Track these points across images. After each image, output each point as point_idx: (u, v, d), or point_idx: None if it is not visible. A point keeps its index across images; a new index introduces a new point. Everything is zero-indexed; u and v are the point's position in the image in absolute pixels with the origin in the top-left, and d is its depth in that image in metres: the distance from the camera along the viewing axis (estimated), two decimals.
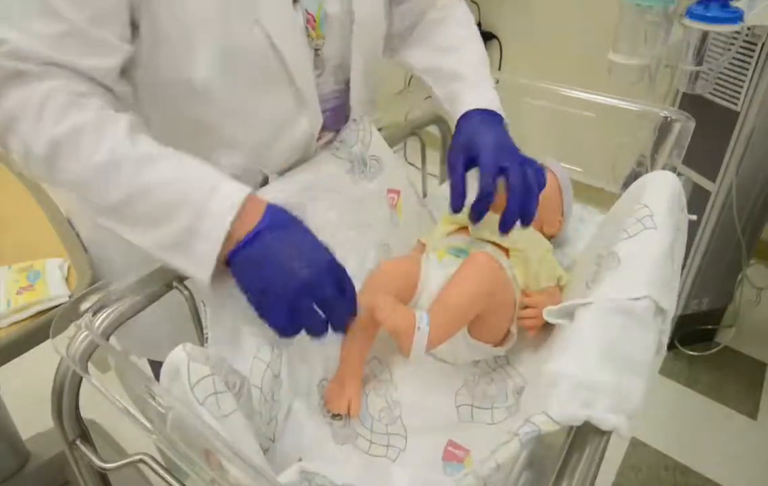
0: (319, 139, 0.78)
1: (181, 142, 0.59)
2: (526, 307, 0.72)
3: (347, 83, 0.77)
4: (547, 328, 0.70)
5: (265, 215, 0.57)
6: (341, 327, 0.58)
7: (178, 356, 0.50)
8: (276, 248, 0.56)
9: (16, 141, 0.57)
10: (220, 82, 0.63)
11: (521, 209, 0.69)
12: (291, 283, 0.54)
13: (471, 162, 0.72)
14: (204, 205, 0.55)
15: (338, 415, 0.66)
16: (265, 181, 0.73)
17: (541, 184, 0.71)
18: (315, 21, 0.69)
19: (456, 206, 0.72)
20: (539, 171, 0.71)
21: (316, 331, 0.57)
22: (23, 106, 0.55)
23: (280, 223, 0.58)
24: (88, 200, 0.58)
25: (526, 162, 0.71)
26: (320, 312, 0.56)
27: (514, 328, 0.71)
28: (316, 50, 0.71)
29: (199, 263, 0.55)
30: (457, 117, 0.78)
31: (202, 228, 0.55)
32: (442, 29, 0.87)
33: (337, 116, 0.80)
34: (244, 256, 0.56)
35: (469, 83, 0.81)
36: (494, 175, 0.69)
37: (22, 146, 0.56)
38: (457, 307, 0.65)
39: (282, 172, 0.74)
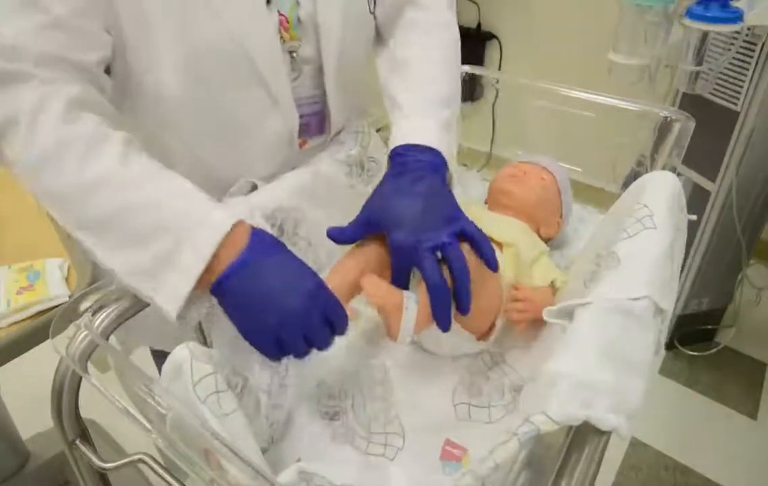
0: (304, 145, 0.77)
1: (158, 150, 0.59)
2: (516, 300, 0.71)
3: (324, 87, 0.76)
4: (539, 324, 0.70)
5: (250, 242, 0.55)
6: (326, 348, 0.57)
7: (180, 354, 0.50)
8: (260, 279, 0.54)
9: (8, 147, 0.56)
10: (187, 84, 0.63)
11: (443, 308, 0.59)
12: (275, 317, 0.53)
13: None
14: (186, 234, 0.53)
15: (336, 414, 0.66)
16: (254, 189, 0.73)
17: (479, 247, 0.62)
18: (288, 23, 0.68)
19: (333, 236, 0.65)
20: (474, 236, 0.62)
21: (300, 356, 0.55)
22: (16, 113, 0.54)
23: (264, 250, 0.56)
24: (68, 215, 0.56)
25: (443, 244, 0.60)
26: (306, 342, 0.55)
27: (499, 322, 0.70)
28: (291, 52, 0.70)
29: (170, 296, 0.53)
30: (389, 150, 0.71)
31: (180, 259, 0.53)
32: (407, 35, 0.79)
33: (320, 122, 0.79)
34: (228, 288, 0.53)
35: (402, 110, 0.73)
36: (404, 280, 0.62)
37: (12, 153, 0.55)
38: None
39: (269, 179, 0.73)
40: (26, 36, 0.54)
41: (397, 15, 0.81)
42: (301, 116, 0.74)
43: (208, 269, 0.53)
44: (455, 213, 0.64)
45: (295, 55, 0.70)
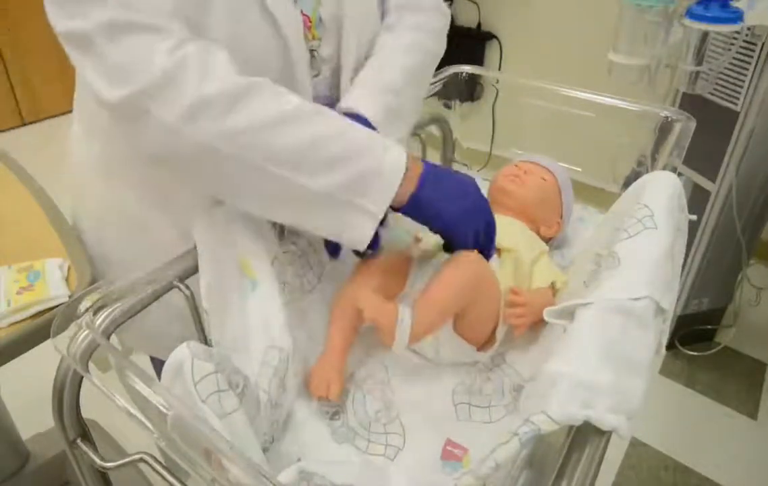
0: None
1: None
2: (514, 304, 0.71)
3: (339, 88, 0.77)
4: (539, 326, 0.70)
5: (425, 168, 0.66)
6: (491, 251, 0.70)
7: (181, 353, 0.50)
8: (448, 176, 0.68)
9: (175, 93, 0.55)
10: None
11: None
12: (474, 203, 0.68)
13: None
14: (383, 152, 0.62)
15: (336, 414, 0.66)
16: None
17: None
18: (311, 22, 0.70)
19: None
20: None
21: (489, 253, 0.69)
22: (180, 62, 0.55)
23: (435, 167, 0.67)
24: (263, 147, 0.58)
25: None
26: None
27: (499, 333, 0.71)
28: (312, 51, 0.71)
29: (377, 201, 0.62)
30: None
31: (384, 169, 0.62)
32: (383, 36, 0.80)
33: None
34: (430, 180, 0.65)
35: (355, 84, 0.76)
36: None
37: (187, 99, 0.55)
38: (442, 301, 0.65)
39: None
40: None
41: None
42: None
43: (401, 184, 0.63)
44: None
45: (315, 54, 0.71)
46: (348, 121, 0.64)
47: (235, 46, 0.62)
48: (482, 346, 0.71)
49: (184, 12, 0.58)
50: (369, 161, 0.61)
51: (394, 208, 0.65)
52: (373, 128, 0.70)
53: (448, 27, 0.84)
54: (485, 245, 0.69)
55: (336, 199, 0.61)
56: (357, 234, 0.63)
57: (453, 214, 0.66)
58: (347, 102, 0.73)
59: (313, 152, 0.59)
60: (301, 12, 0.68)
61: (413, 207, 0.65)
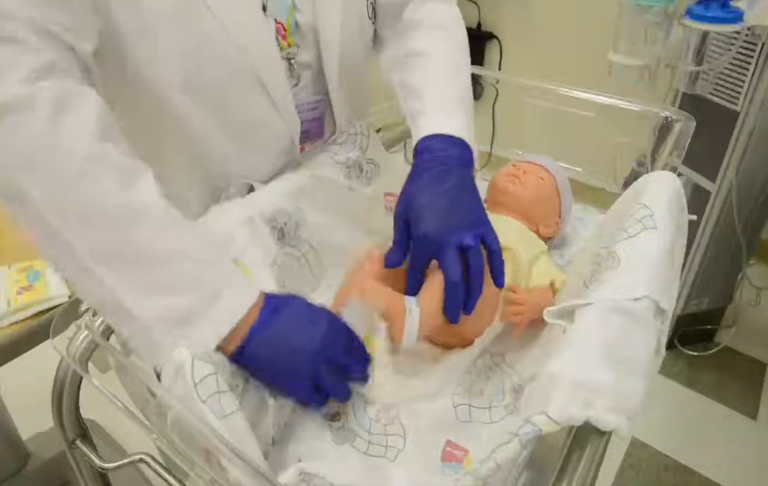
0: (302, 150, 0.77)
1: (156, 153, 0.59)
2: (512, 303, 0.71)
3: (327, 94, 0.76)
4: (539, 327, 0.70)
5: (261, 311, 0.55)
6: (363, 379, 0.60)
7: (182, 354, 0.50)
8: (278, 332, 0.55)
9: (8, 134, 0.48)
10: (189, 89, 0.62)
11: (456, 304, 0.61)
12: (301, 360, 0.55)
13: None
14: (212, 301, 0.53)
15: (337, 416, 0.66)
16: (250, 191, 0.73)
17: (492, 263, 0.64)
18: (285, 30, 0.68)
19: (391, 263, 0.66)
20: (492, 245, 0.64)
21: (342, 394, 0.58)
22: (29, 98, 0.48)
23: (275, 308, 0.56)
24: (94, 237, 0.50)
25: (469, 244, 0.61)
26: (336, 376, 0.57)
27: (493, 329, 0.70)
28: (289, 59, 0.70)
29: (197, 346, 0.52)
30: (415, 142, 0.71)
31: (209, 316, 0.52)
32: (413, 33, 0.79)
33: (321, 126, 0.79)
34: (251, 354, 0.54)
35: (424, 103, 0.72)
36: (421, 269, 0.64)
37: (20, 143, 0.48)
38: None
39: (267, 182, 0.73)
40: (24, 2, 0.49)
41: (396, 16, 0.81)
42: (302, 122, 0.74)
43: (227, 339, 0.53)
44: (482, 216, 0.65)
45: (293, 61, 0.70)
46: (192, 240, 0.55)
47: (192, 71, 0.61)
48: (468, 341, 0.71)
49: (79, 34, 0.53)
50: (197, 298, 0.52)
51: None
52: (469, 149, 0.68)
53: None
54: (331, 392, 0.58)
55: (147, 327, 0.51)
56: (163, 370, 0.52)
57: (278, 374, 0.56)
58: (437, 128, 0.69)
59: (141, 265, 0.51)
60: (275, 20, 0.67)
61: (235, 359, 0.55)
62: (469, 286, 0.61)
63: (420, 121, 0.71)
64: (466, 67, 0.78)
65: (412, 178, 0.68)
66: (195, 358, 0.50)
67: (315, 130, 0.78)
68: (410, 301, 0.62)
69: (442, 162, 0.67)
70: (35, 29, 0.50)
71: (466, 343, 0.71)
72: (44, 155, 0.48)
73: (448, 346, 0.71)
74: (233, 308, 0.53)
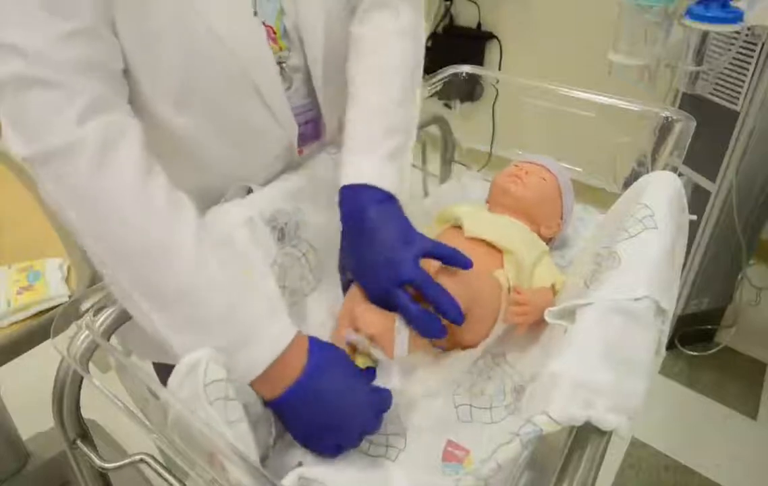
0: (301, 153, 0.77)
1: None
2: (516, 303, 0.71)
3: (315, 97, 0.75)
4: (540, 327, 0.70)
5: (308, 360, 0.58)
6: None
7: (199, 353, 0.50)
8: (317, 403, 0.57)
9: (65, 175, 0.52)
10: (186, 97, 0.62)
11: (432, 330, 0.62)
12: (335, 436, 0.58)
13: None
14: (249, 339, 0.55)
15: None
16: (249, 193, 0.72)
17: (448, 259, 0.66)
18: (276, 33, 0.68)
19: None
20: (440, 252, 0.65)
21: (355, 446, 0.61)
22: (77, 139, 0.51)
23: (322, 365, 0.59)
24: (134, 274, 0.54)
25: (409, 277, 0.62)
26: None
27: (495, 331, 0.70)
28: (281, 63, 0.70)
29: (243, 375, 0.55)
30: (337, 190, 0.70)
31: (250, 353, 0.55)
32: (352, 52, 0.74)
33: (315, 129, 0.79)
34: (288, 406, 0.57)
35: (349, 148, 0.70)
36: (385, 301, 0.64)
37: (72, 185, 0.52)
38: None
39: (265, 184, 0.73)
40: (57, 44, 0.51)
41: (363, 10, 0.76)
42: (299, 125, 0.73)
43: (268, 378, 0.55)
44: (410, 237, 0.66)
45: (284, 65, 0.70)
46: (243, 282, 0.58)
47: (190, 78, 0.61)
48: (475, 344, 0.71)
49: (107, 63, 0.55)
50: (241, 343, 0.55)
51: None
52: (392, 196, 0.67)
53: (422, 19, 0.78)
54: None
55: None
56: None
57: (310, 437, 0.59)
58: (352, 178, 0.68)
59: (185, 305, 0.54)
60: (264, 23, 0.66)
61: (274, 407, 0.58)
62: (435, 306, 0.62)
63: (343, 164, 0.70)
64: (407, 85, 0.73)
65: (342, 239, 0.70)
66: (210, 361, 0.50)
67: (311, 132, 0.78)
68: (400, 320, 0.63)
69: (361, 209, 0.67)
70: (74, 68, 0.52)
71: (470, 346, 0.71)
72: (91, 198, 0.52)
73: (452, 349, 0.71)
74: (262, 360, 0.55)
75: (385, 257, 0.64)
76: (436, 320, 0.62)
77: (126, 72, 0.59)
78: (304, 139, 0.77)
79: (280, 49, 0.69)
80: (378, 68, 0.73)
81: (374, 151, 0.69)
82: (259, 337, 0.55)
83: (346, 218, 0.69)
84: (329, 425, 0.57)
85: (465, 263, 0.66)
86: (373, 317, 0.64)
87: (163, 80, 0.60)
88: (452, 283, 0.64)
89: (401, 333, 0.63)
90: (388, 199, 0.67)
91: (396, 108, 0.72)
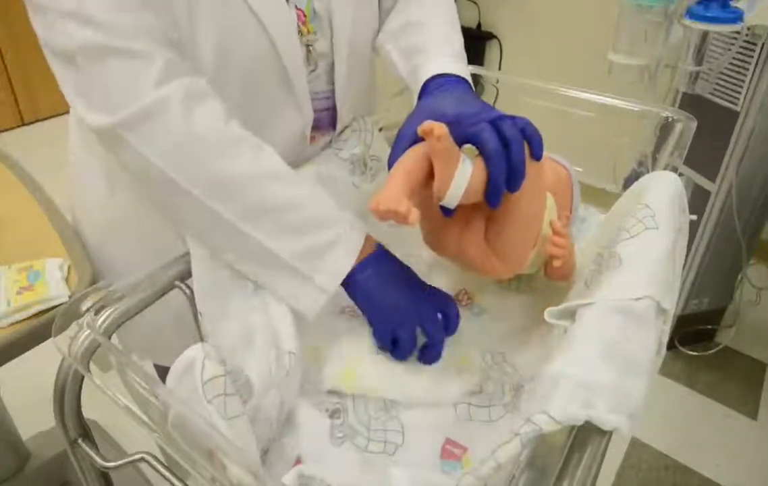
0: (313, 140, 0.78)
1: None
2: (557, 234, 0.69)
3: (333, 83, 0.77)
4: (540, 327, 0.70)
5: (375, 252, 0.66)
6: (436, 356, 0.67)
7: (194, 351, 0.50)
8: (383, 279, 0.65)
9: (156, 133, 0.56)
10: (218, 66, 0.63)
11: (500, 175, 0.58)
12: (400, 316, 0.64)
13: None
14: (345, 226, 0.64)
15: (336, 412, 0.66)
16: None
17: (528, 135, 0.60)
18: (305, 16, 0.69)
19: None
20: (522, 123, 0.60)
21: (406, 352, 0.66)
22: (163, 101, 0.56)
23: (386, 260, 0.67)
24: (236, 202, 0.59)
25: (499, 117, 0.59)
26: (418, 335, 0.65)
27: (530, 257, 0.69)
28: (308, 46, 0.71)
29: (332, 276, 0.63)
30: (417, 91, 0.73)
31: (339, 246, 0.63)
32: (408, 6, 0.81)
33: (331, 117, 0.80)
34: (358, 280, 0.64)
35: (430, 54, 0.74)
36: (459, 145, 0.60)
37: (166, 140, 0.57)
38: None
39: None
40: (126, 14, 0.55)
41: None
42: (315, 111, 0.74)
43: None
44: (500, 111, 0.64)
45: (311, 48, 0.71)
46: (316, 189, 0.65)
47: (224, 53, 0.62)
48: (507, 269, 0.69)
49: (166, 31, 0.58)
50: (329, 235, 0.63)
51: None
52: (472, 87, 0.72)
53: None
54: (406, 348, 0.66)
55: (292, 267, 0.62)
56: (308, 305, 0.64)
57: (379, 310, 0.66)
58: (443, 69, 0.71)
59: (280, 215, 0.61)
60: (296, 7, 0.68)
61: (346, 285, 0.65)
62: (511, 156, 0.58)
63: (421, 70, 0.73)
64: (459, 31, 0.81)
65: (422, 98, 0.71)
66: (207, 358, 0.50)
67: (326, 120, 0.79)
68: (465, 158, 0.58)
69: (455, 85, 0.70)
70: (144, 36, 0.56)
71: (502, 272, 0.69)
72: (186, 144, 0.57)
73: (483, 273, 0.69)
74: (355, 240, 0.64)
75: (474, 106, 0.64)
76: (505, 174, 0.58)
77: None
78: (318, 126, 0.77)
79: (309, 31, 0.70)
80: (442, 13, 0.80)
81: (462, 62, 0.74)
82: (351, 227, 0.64)
83: (436, 87, 0.70)
84: (394, 305, 0.64)
85: (538, 154, 0.61)
86: (449, 138, 0.57)
87: (198, 54, 0.62)
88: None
89: (466, 165, 0.57)
90: (471, 88, 0.72)
91: (459, 38, 0.79)
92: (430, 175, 0.60)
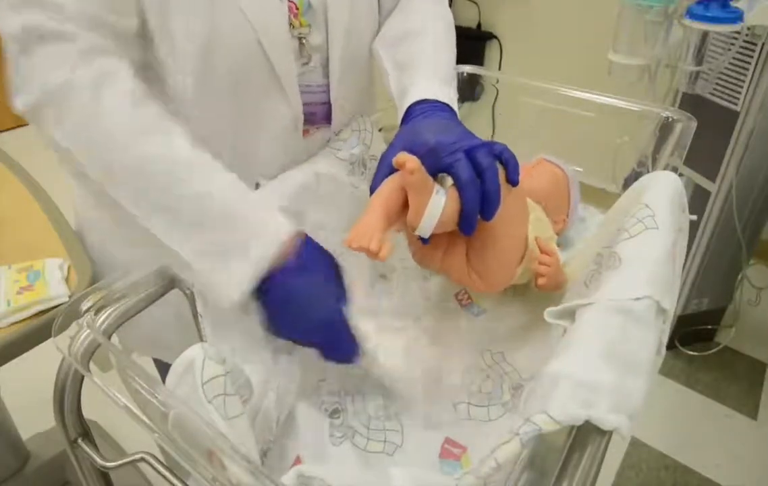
0: (306, 133, 0.77)
1: None
2: (543, 252, 0.70)
3: (329, 77, 0.77)
4: (540, 326, 0.70)
5: (302, 250, 0.61)
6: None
7: (194, 351, 0.50)
8: (299, 291, 0.60)
9: (58, 114, 0.56)
10: (200, 66, 0.63)
11: (473, 205, 0.58)
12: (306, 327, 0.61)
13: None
14: (257, 228, 0.59)
15: (336, 412, 0.66)
16: (256, 188, 0.73)
17: (505, 160, 0.60)
18: (297, 9, 0.69)
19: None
20: (498, 149, 0.60)
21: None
22: (73, 80, 0.55)
23: (309, 261, 0.62)
24: (140, 192, 0.57)
25: (475, 147, 0.59)
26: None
27: (515, 273, 0.69)
28: (300, 39, 0.71)
29: (237, 281, 0.57)
30: (401, 113, 0.72)
31: (251, 249, 0.58)
32: (407, 11, 0.81)
33: (326, 111, 0.79)
34: (274, 290, 0.59)
35: (418, 75, 0.73)
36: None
37: (67, 121, 0.56)
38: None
39: (273, 176, 0.73)
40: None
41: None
42: (308, 104, 0.74)
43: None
44: (478, 139, 0.63)
45: (304, 41, 0.71)
46: (231, 182, 0.61)
47: (208, 45, 0.62)
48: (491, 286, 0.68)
49: (114, 19, 0.58)
50: (238, 236, 0.59)
51: None
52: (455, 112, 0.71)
53: None
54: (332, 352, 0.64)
55: (192, 264, 0.58)
56: (219, 302, 0.59)
57: (288, 325, 0.61)
58: (427, 94, 0.70)
59: (182, 208, 0.58)
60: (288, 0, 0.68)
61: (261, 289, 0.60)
62: (485, 185, 0.58)
63: (411, 90, 0.73)
64: (452, 46, 0.83)
65: (405, 123, 0.70)
66: (207, 358, 0.50)
67: (321, 114, 0.78)
68: (439, 189, 0.59)
69: (435, 111, 0.69)
70: (79, 19, 0.56)
71: (487, 289, 0.69)
72: (90, 129, 0.56)
73: (469, 287, 0.69)
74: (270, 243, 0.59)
75: (452, 135, 0.62)
76: (478, 205, 0.58)
77: (144, 36, 0.61)
78: (313, 120, 0.77)
79: (301, 24, 0.70)
80: (437, 22, 0.81)
81: (448, 86, 0.74)
82: (268, 227, 0.60)
83: (418, 114, 0.69)
84: (297, 315, 0.60)
85: (515, 179, 0.61)
86: (421, 169, 0.57)
87: (181, 46, 0.62)
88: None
89: (439, 196, 0.58)
90: (454, 114, 0.71)
91: (450, 56, 0.79)
92: (406, 203, 0.60)
